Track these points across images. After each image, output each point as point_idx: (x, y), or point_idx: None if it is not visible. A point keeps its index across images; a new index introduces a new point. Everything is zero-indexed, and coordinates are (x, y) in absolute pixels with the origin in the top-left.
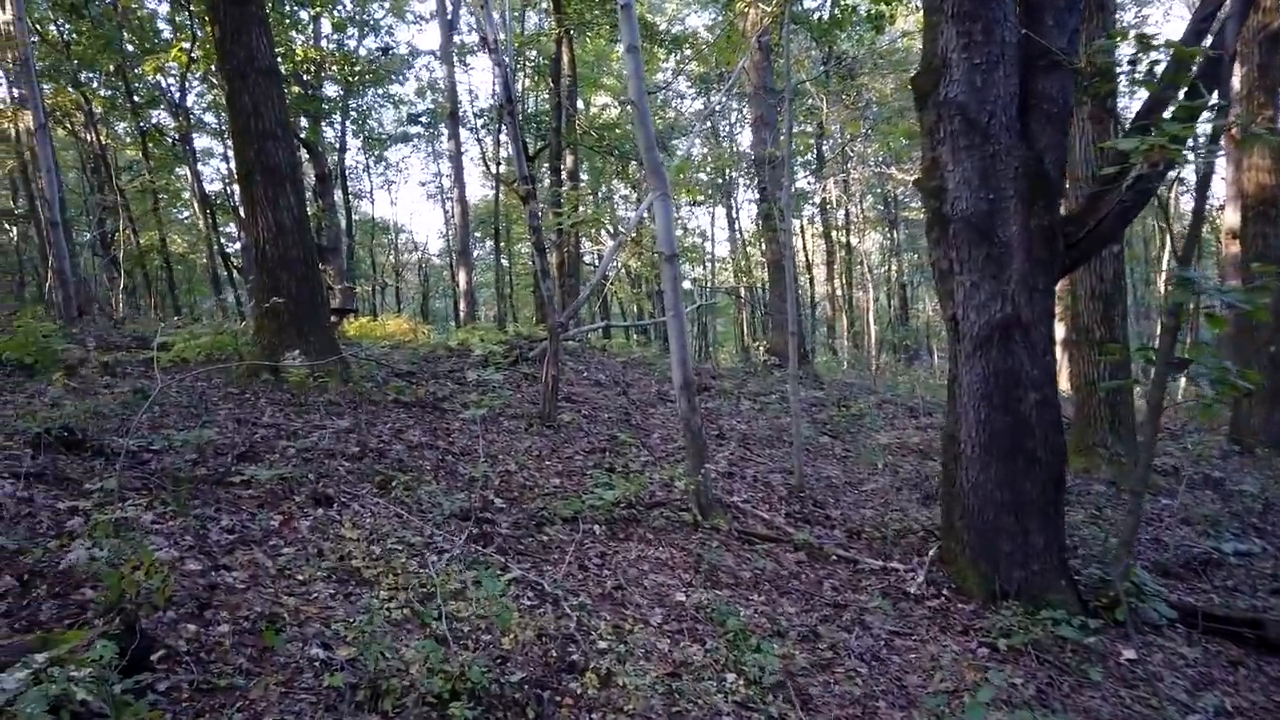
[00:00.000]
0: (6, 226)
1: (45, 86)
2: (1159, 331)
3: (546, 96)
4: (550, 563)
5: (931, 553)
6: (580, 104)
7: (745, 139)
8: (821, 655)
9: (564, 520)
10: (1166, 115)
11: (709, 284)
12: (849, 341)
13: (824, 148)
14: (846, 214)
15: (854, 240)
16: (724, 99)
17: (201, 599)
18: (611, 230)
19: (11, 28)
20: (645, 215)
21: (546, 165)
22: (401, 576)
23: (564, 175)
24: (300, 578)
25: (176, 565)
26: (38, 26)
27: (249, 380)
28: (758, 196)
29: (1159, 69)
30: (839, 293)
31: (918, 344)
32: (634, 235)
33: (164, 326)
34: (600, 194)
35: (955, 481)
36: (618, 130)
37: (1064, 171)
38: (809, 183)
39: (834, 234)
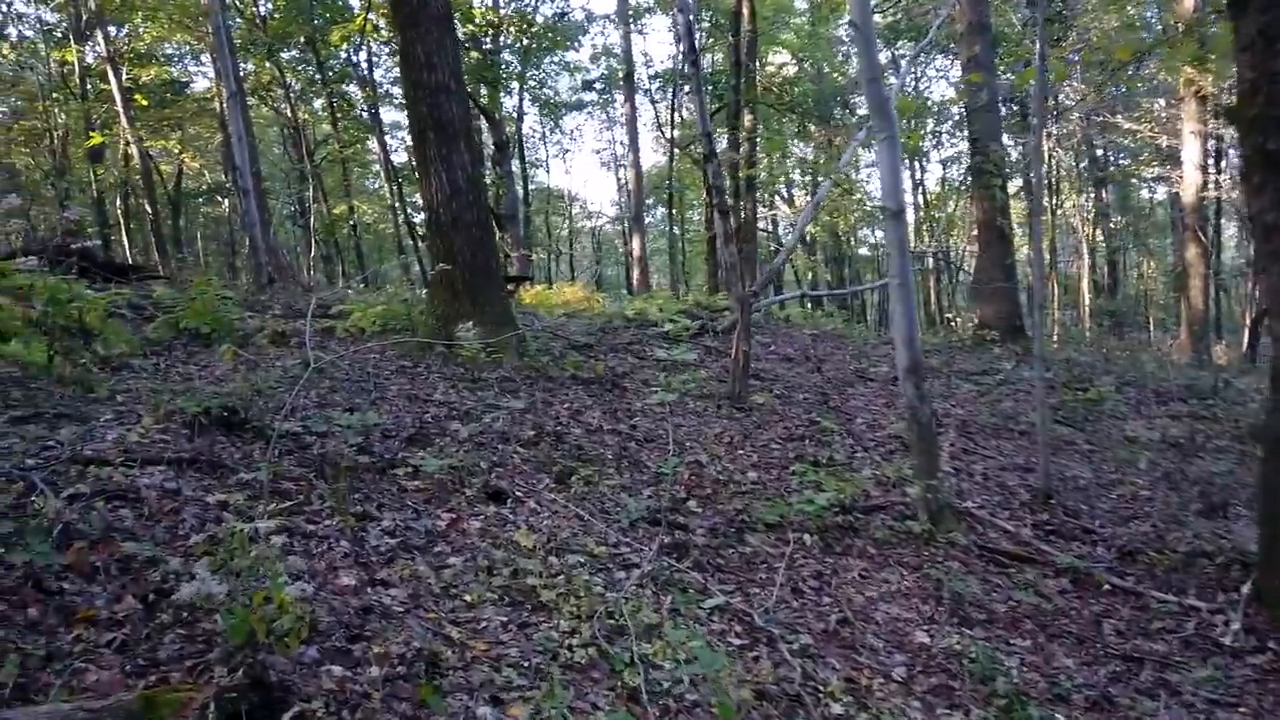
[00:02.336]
0: (219, 199)
1: (248, 66)
2: None
3: (722, 57)
4: (756, 583)
5: (1245, 589)
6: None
7: (937, 87)
8: None
9: (767, 527)
10: None
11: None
12: (1057, 313)
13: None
14: (1055, 170)
15: (1062, 200)
16: (934, 36)
17: (352, 628)
18: (786, 195)
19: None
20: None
21: (723, 126)
22: (584, 600)
23: (742, 135)
24: (468, 598)
25: (328, 580)
26: (238, 3)
27: (422, 352)
28: (968, 149)
29: None
30: (1045, 258)
31: (1129, 316)
32: (841, 188)
33: (332, 295)
34: (775, 157)
35: None
36: (797, 88)
37: None
38: (1011, 137)
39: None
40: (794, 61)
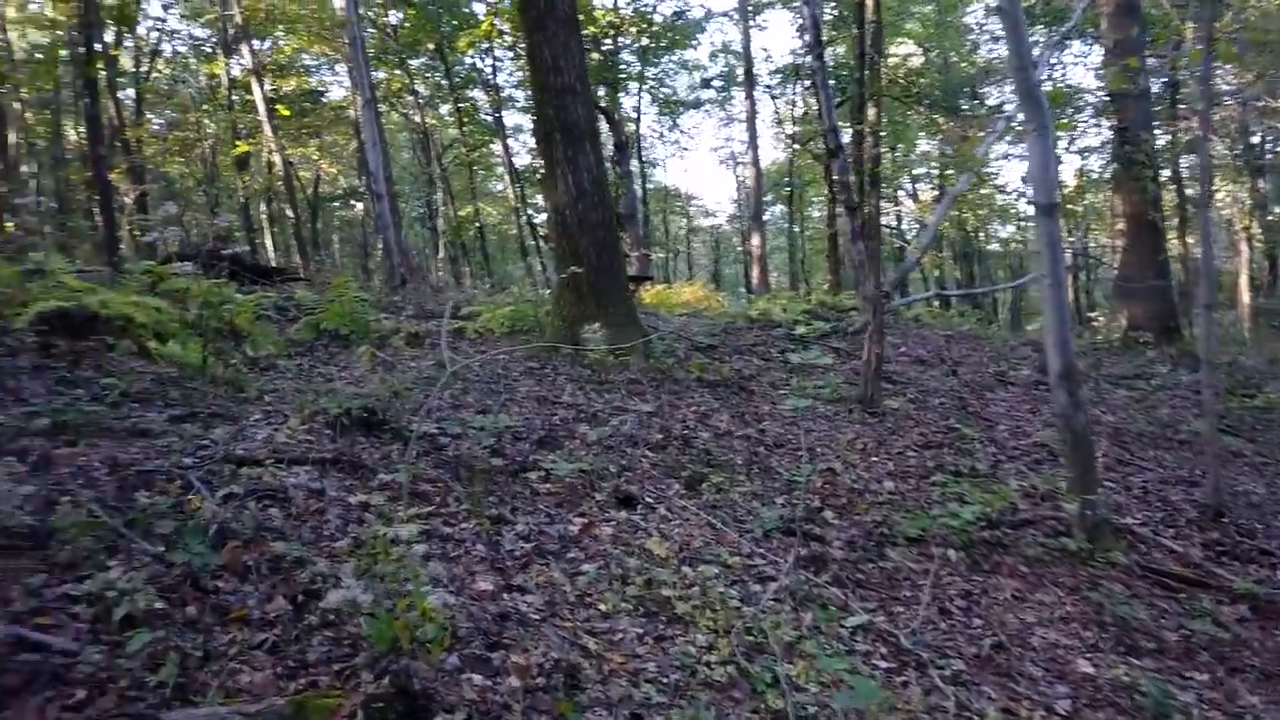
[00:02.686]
0: (353, 203)
1: (379, 74)
2: None
3: (845, 49)
4: (900, 601)
5: None
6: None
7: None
8: None
9: (909, 541)
10: None
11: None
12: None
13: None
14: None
15: (1216, 191)
16: (1078, 20)
17: (490, 635)
18: (911, 190)
19: (341, 12)
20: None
21: (847, 120)
22: (721, 614)
23: (866, 129)
24: (602, 607)
25: (466, 585)
26: (370, 14)
27: (549, 354)
28: (1114, 138)
29: None
30: (1194, 253)
31: None
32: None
33: (461, 296)
34: (899, 151)
35: None
36: (923, 79)
37: None
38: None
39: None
40: (920, 52)
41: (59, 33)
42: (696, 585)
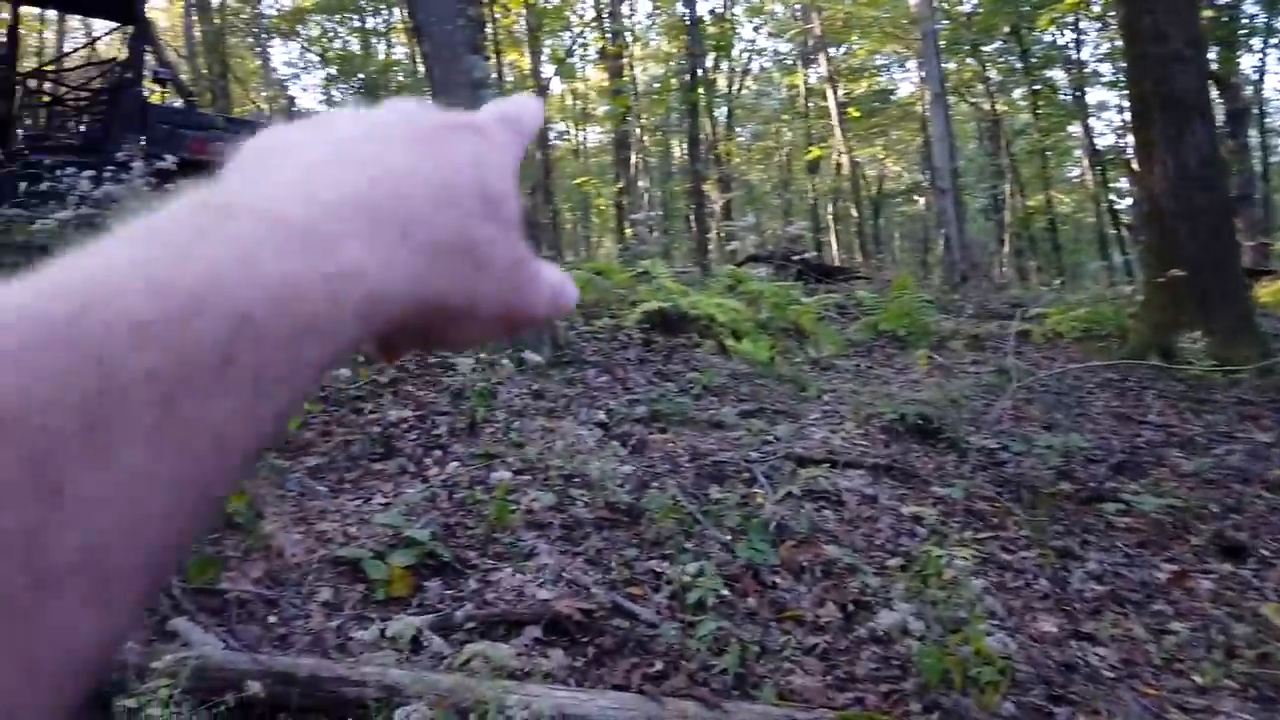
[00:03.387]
0: (915, 198)
1: (950, 65)
2: None
3: None
4: None
5: None
6: None
7: None
8: None
9: None
10: None
11: None
12: None
13: None
14: None
15: None
16: None
17: (1054, 685)
18: None
19: (914, 7)
20: None
21: None
22: None
23: None
24: (1198, 679)
25: (1024, 623)
26: (944, 4)
27: (1131, 366)
28: None
29: None
30: None
31: None
32: None
33: (1025, 294)
34: None
35: None
36: None
37: None
38: None
39: None
40: None
41: (671, 64)
42: None
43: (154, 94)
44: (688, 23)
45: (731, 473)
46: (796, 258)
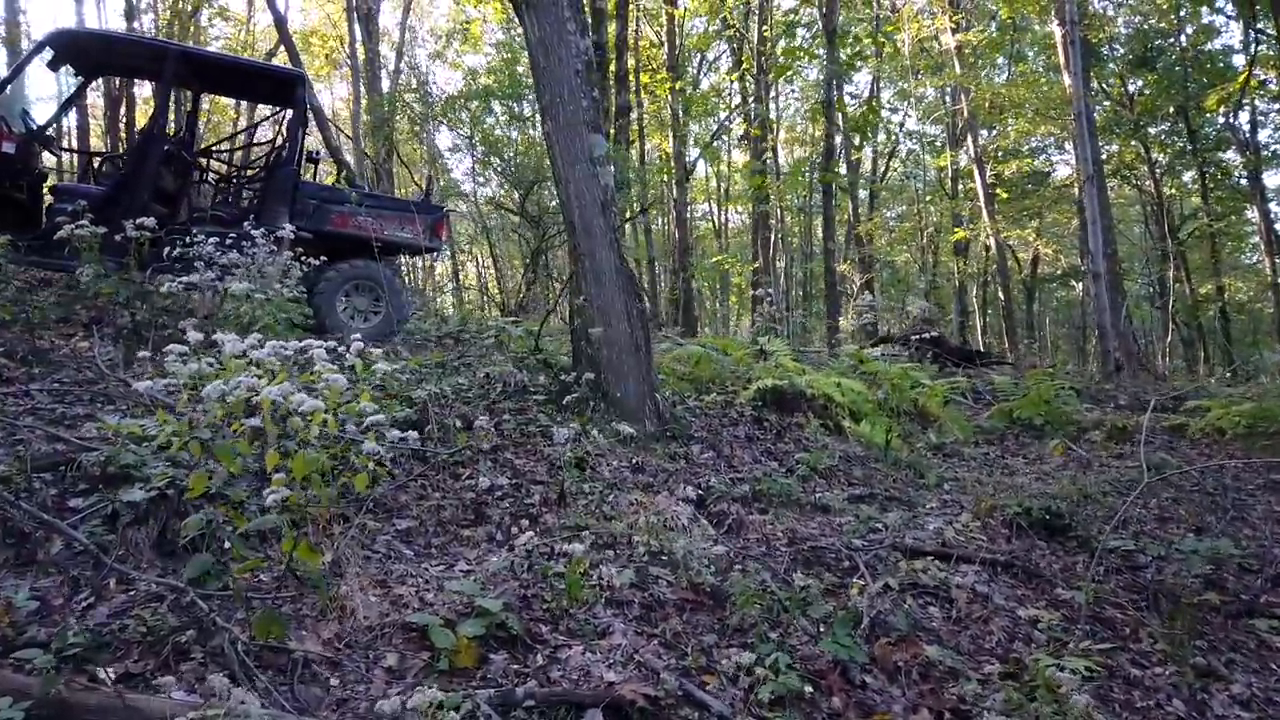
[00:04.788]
0: (1072, 283)
1: (1111, 146)
2: None
3: None
4: None
5: None
6: None
7: None
8: None
9: None
10: None
11: None
12: None
13: None
14: None
15: None
16: None
17: None
18: None
19: (1069, 89)
20: None
21: None
22: None
23: None
24: None
25: None
26: (1104, 85)
27: None
28: None
29: None
30: None
31: None
32: None
33: (1187, 386)
34: None
35: None
36: None
37: None
38: None
39: None
40: None
41: (815, 147)
42: None
43: (306, 172)
44: (825, 104)
45: (830, 560)
46: (930, 336)
